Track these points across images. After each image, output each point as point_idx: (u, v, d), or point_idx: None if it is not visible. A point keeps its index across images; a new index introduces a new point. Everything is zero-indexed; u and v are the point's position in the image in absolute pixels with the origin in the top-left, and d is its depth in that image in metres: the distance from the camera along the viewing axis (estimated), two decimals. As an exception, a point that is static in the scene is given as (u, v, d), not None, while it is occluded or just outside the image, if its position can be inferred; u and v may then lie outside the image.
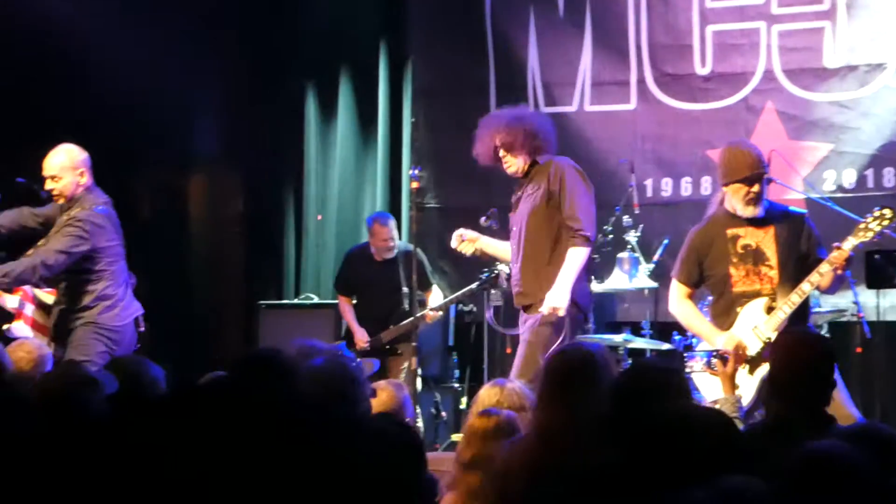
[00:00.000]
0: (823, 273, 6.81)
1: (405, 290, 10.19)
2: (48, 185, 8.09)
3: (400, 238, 10.45)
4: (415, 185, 8.30)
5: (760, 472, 3.04)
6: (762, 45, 10.14)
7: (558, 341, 7.49)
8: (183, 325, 11.54)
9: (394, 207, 11.11)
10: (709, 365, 6.88)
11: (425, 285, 10.09)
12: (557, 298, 7.49)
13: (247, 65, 11.41)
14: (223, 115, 11.47)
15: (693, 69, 10.33)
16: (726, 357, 6.30)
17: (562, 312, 7.49)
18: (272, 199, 11.75)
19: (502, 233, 9.34)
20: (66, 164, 8.06)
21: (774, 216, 7.09)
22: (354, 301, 10.46)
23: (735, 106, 10.20)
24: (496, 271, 8.82)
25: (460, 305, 10.70)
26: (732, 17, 10.26)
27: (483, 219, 9.28)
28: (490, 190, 10.77)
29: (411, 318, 9.96)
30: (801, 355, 4.83)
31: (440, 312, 10.04)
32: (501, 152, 7.88)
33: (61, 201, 8.09)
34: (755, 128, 9.98)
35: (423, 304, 10.01)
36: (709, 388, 6.99)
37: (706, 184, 10.20)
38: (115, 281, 8.08)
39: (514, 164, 7.87)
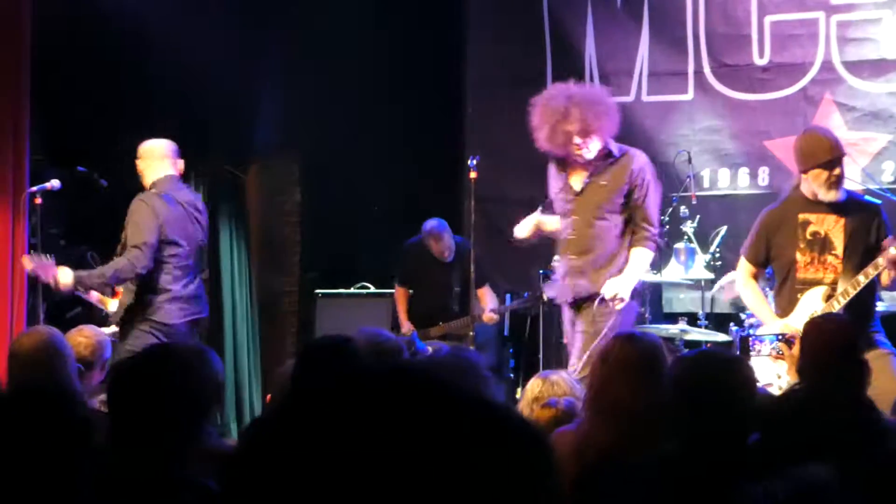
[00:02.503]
0: (879, 268, 6.79)
1: (457, 289, 10.24)
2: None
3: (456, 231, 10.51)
4: (473, 174, 8.29)
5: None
6: (821, 35, 10.08)
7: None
8: (240, 314, 11.62)
9: (451, 197, 11.12)
10: (775, 349, 6.86)
11: (479, 282, 10.04)
12: (623, 288, 7.39)
13: (304, 56, 11.46)
14: (281, 106, 11.52)
15: (751, 59, 10.29)
16: (792, 341, 6.32)
17: (619, 306, 7.39)
18: (328, 189, 11.79)
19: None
20: (142, 152, 8.25)
21: (849, 205, 7.07)
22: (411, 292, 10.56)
23: (793, 96, 10.16)
24: (540, 293, 8.87)
25: (514, 297, 10.73)
26: (791, 7, 10.22)
27: (539, 209, 9.30)
28: (546, 180, 10.79)
29: (463, 319, 10.01)
30: (822, 340, 4.92)
31: (497, 316, 10.10)
32: (577, 139, 7.45)
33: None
34: (813, 119, 9.92)
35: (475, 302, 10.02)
36: (764, 372, 6.97)
37: (763, 174, 10.17)
38: (173, 275, 8.11)
39: (592, 149, 7.49)
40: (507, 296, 10.63)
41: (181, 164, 8.34)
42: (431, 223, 10.47)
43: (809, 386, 4.53)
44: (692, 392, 3.84)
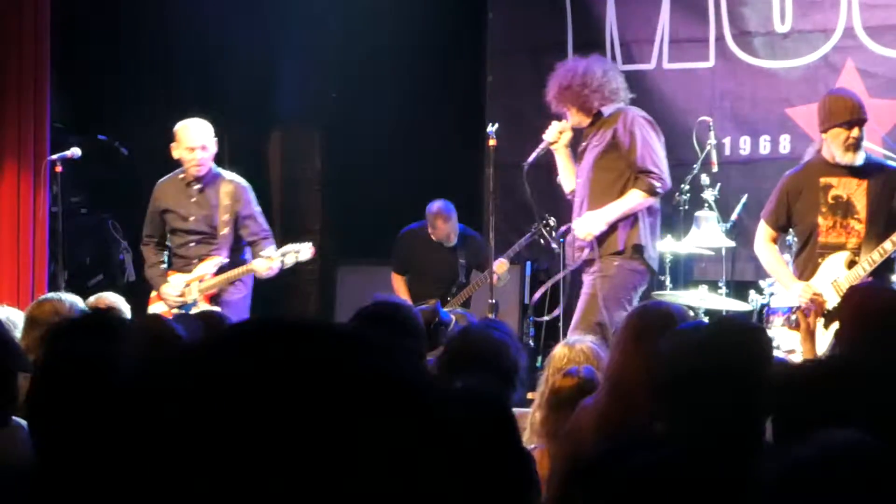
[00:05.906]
0: None
1: (462, 280, 10.11)
2: (198, 154, 8.26)
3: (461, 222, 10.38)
4: (492, 142, 8.27)
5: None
6: (842, 1, 10.01)
7: (623, 296, 7.54)
8: (261, 283, 11.63)
9: (471, 165, 11.10)
10: (788, 320, 6.84)
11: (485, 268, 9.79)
12: (591, 223, 7.56)
13: (325, 24, 11.45)
14: (302, 73, 11.51)
15: (772, 26, 10.23)
16: (807, 312, 6.29)
17: (589, 237, 7.55)
18: (350, 158, 11.79)
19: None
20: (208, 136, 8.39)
21: (870, 169, 7.04)
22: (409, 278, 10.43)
23: (815, 63, 10.09)
24: (546, 219, 8.83)
25: (535, 264, 10.69)
26: (813, -28, 10.16)
27: (559, 177, 9.26)
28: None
29: (471, 284, 9.89)
30: (869, 308, 4.86)
31: (507, 262, 9.79)
32: (560, 104, 7.94)
33: (202, 172, 8.30)
34: (835, 85, 9.86)
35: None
36: (785, 341, 6.95)
37: (785, 142, 10.13)
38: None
39: (573, 115, 7.90)
40: (528, 263, 10.59)
41: None
42: (438, 203, 10.29)
43: (846, 354, 4.49)
44: (703, 362, 3.83)
